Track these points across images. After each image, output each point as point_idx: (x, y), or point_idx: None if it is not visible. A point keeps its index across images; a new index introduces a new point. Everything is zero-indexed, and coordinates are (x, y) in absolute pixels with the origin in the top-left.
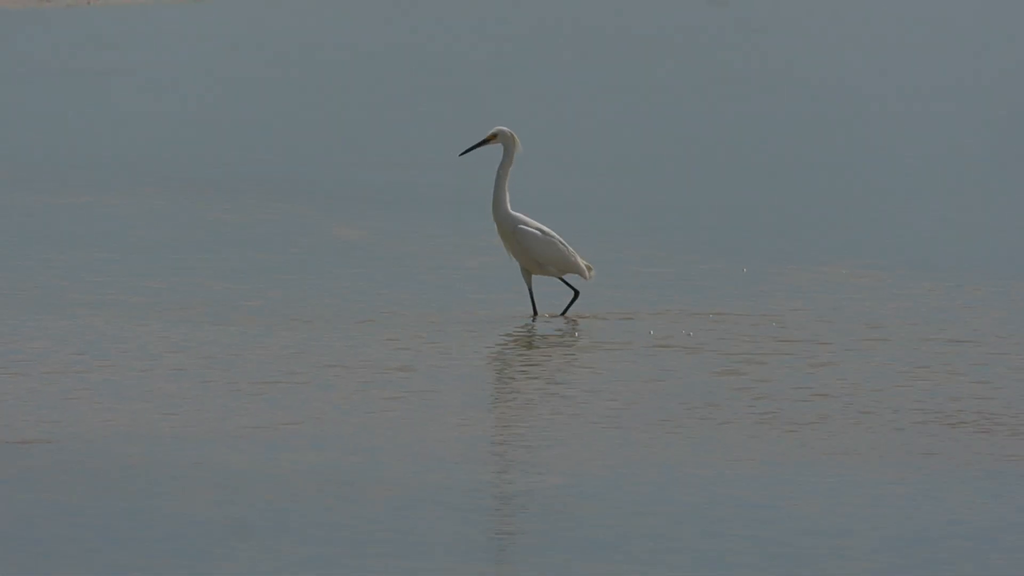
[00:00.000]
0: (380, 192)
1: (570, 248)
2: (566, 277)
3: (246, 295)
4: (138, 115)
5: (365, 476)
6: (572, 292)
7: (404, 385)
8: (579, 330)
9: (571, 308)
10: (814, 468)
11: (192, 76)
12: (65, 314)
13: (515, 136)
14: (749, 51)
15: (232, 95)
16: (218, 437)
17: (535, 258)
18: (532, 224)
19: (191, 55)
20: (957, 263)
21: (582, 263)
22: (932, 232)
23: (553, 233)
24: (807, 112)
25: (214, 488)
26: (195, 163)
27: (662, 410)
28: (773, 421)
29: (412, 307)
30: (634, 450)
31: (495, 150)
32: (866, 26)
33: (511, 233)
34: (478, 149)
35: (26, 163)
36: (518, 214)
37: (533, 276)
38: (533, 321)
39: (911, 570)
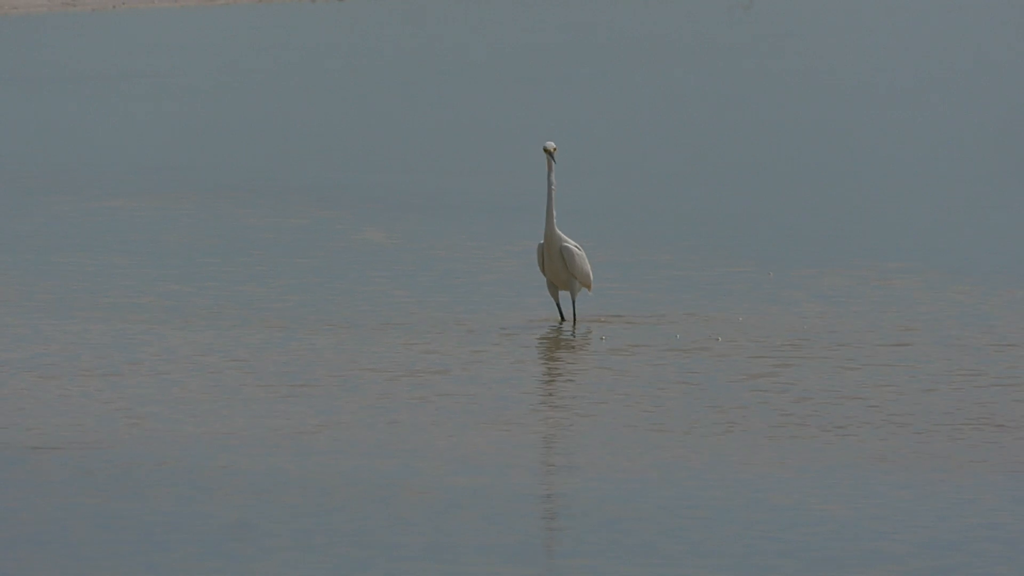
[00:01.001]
0: (407, 196)
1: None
2: (570, 297)
3: (272, 299)
4: (162, 119)
5: (397, 480)
6: (560, 317)
7: (433, 389)
8: (606, 334)
9: (577, 317)
10: (847, 472)
11: (215, 80)
12: (91, 318)
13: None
14: (771, 56)
15: (256, 98)
16: (246, 441)
17: (572, 274)
18: (570, 241)
19: (214, 59)
20: (989, 266)
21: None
22: (962, 234)
23: (580, 248)
24: (830, 115)
25: (241, 492)
26: (220, 167)
27: (692, 413)
28: (805, 425)
29: (439, 311)
30: (668, 452)
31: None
32: (890, 27)
33: (558, 252)
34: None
35: (47, 168)
36: (558, 231)
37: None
38: (560, 325)
39: (945, 574)
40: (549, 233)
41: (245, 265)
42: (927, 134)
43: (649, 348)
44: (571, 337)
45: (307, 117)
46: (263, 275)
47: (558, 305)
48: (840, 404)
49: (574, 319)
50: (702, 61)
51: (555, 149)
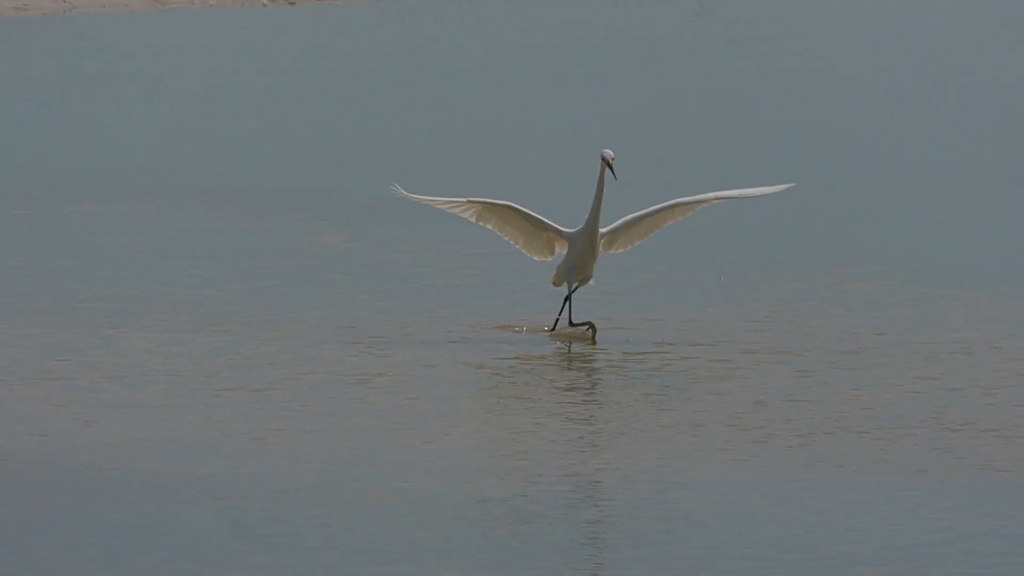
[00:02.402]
0: (373, 200)
1: None
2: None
3: (229, 303)
4: (127, 123)
5: (355, 485)
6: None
7: (391, 393)
8: (567, 340)
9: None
10: (804, 476)
11: (189, 85)
12: (44, 322)
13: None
14: (762, 56)
15: (227, 103)
16: (202, 446)
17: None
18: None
19: (193, 64)
20: (958, 271)
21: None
22: (932, 239)
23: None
24: (827, 115)
25: (200, 497)
26: (187, 172)
27: (653, 417)
28: (761, 428)
29: (397, 315)
30: (627, 455)
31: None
32: (888, 27)
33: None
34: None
35: (4, 171)
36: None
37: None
38: (553, 327)
39: None
40: (593, 229)
41: (201, 269)
42: (918, 136)
43: (608, 351)
44: (532, 340)
45: (282, 121)
46: (220, 279)
47: (569, 308)
48: (798, 409)
49: (570, 314)
50: (690, 61)
51: (612, 159)
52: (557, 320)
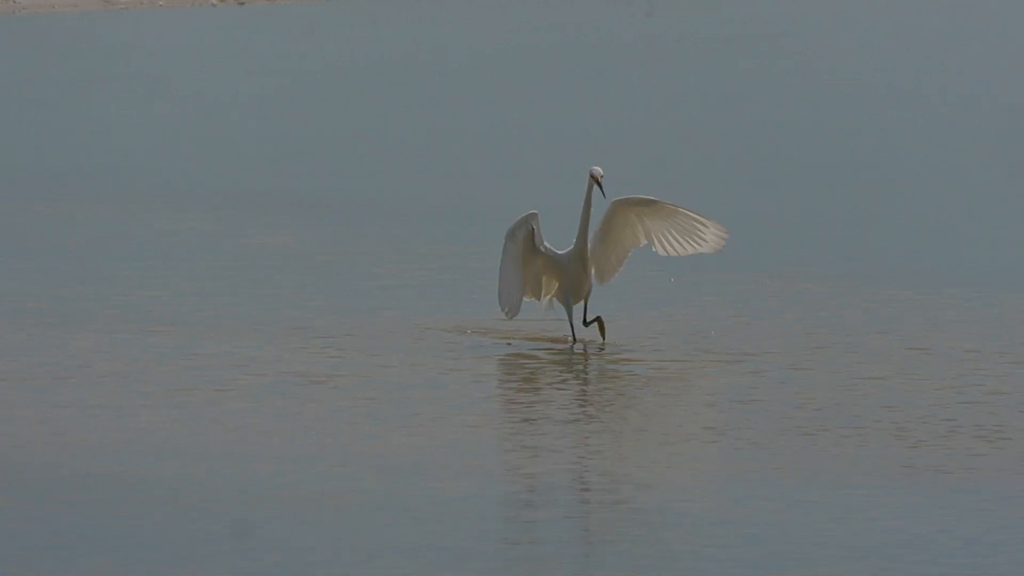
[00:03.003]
0: (331, 200)
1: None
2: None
3: (178, 303)
4: (84, 124)
5: (305, 485)
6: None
7: (344, 393)
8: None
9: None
10: (751, 479)
11: (141, 86)
12: None
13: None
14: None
15: (180, 104)
16: (153, 445)
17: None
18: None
19: (144, 64)
20: (910, 272)
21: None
22: (889, 240)
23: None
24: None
25: (152, 497)
26: (135, 173)
27: (600, 418)
28: (710, 429)
29: (348, 316)
30: (575, 456)
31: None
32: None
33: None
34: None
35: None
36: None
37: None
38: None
39: None
40: (583, 250)
41: (151, 269)
42: (892, 137)
43: (556, 352)
44: (483, 341)
45: (233, 122)
46: (169, 279)
47: (571, 320)
48: (750, 410)
49: (573, 326)
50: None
51: (601, 176)
52: (573, 332)
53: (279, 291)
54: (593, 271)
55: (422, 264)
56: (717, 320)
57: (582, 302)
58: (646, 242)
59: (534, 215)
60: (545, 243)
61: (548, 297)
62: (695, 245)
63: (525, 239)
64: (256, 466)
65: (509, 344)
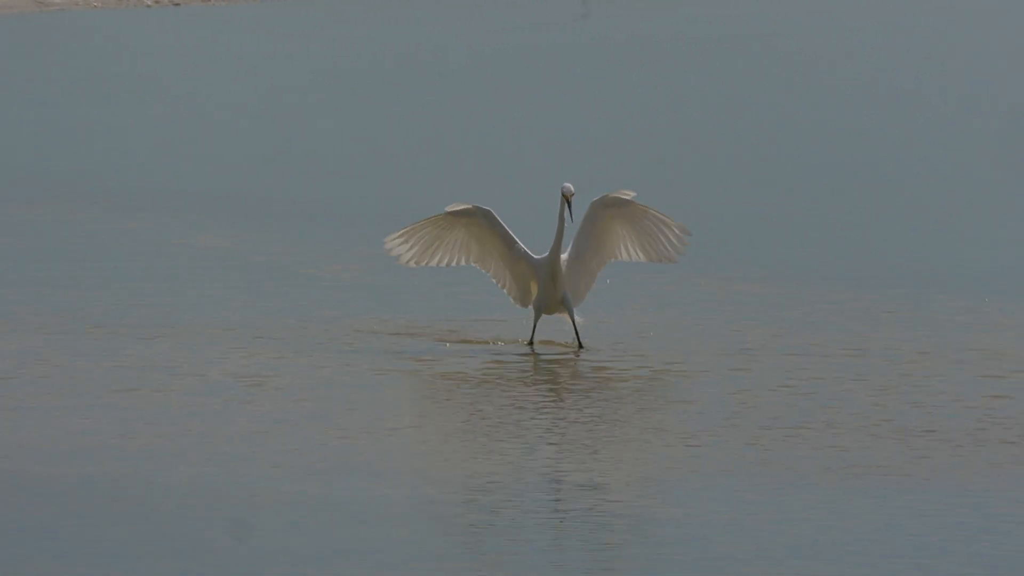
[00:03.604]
0: (256, 201)
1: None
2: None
3: (113, 305)
4: (21, 126)
5: (240, 487)
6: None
7: (279, 394)
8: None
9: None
10: (692, 479)
11: (78, 87)
12: None
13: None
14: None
15: (118, 104)
16: (90, 447)
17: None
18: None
19: (78, 66)
20: (855, 273)
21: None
22: (837, 242)
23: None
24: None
25: (89, 498)
26: (69, 176)
27: (538, 417)
28: (659, 429)
29: (281, 317)
30: (506, 456)
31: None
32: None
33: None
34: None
35: None
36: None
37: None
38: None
39: None
40: (555, 261)
41: (84, 271)
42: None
43: (490, 348)
44: (419, 341)
45: (171, 122)
46: (104, 281)
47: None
48: (683, 412)
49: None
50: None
51: (572, 195)
52: (532, 334)
53: (215, 292)
54: (567, 286)
55: (359, 265)
56: (655, 322)
57: (552, 312)
58: (620, 249)
59: (488, 212)
60: (521, 245)
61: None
62: (657, 252)
63: (500, 237)
64: (192, 467)
65: (447, 346)
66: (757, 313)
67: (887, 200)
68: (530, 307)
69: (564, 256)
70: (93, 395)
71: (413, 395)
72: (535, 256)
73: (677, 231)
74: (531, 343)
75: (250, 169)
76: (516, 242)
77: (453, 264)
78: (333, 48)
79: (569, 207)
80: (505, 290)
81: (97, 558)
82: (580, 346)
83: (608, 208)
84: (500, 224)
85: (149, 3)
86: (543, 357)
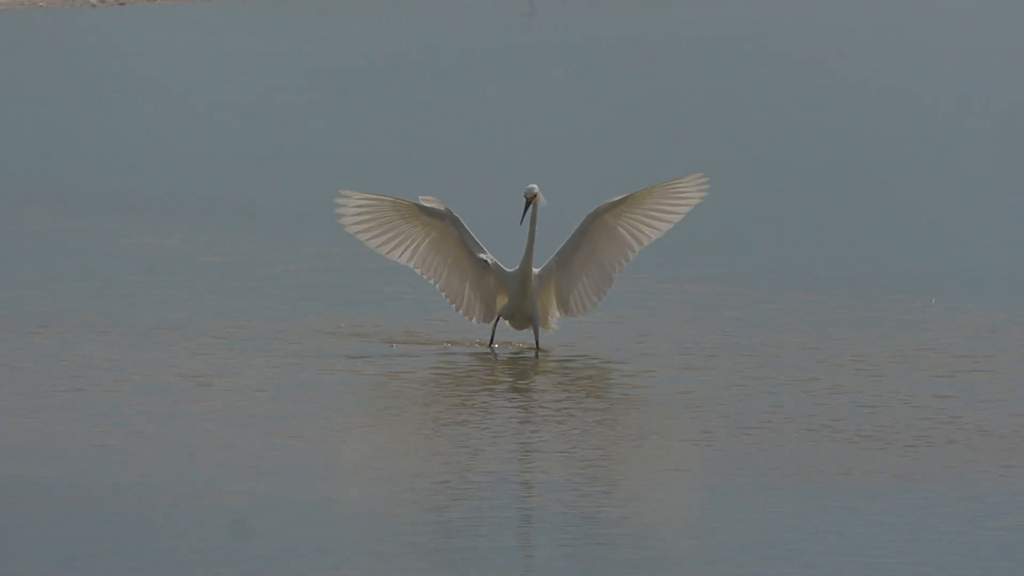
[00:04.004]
0: (206, 201)
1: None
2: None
3: (59, 304)
4: None
5: (189, 487)
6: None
7: (229, 394)
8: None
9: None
10: (634, 479)
11: (21, 88)
12: None
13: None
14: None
15: (65, 104)
16: (35, 447)
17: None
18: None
19: (24, 67)
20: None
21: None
22: (780, 244)
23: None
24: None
25: (33, 499)
26: (15, 175)
27: (474, 417)
28: (595, 431)
29: (228, 317)
30: (448, 457)
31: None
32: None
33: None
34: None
35: None
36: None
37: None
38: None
39: None
40: (526, 273)
41: (28, 270)
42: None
43: (438, 353)
44: (368, 341)
45: (120, 122)
46: (48, 280)
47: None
48: (632, 411)
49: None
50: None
51: (533, 196)
52: (492, 337)
53: (163, 292)
54: (555, 301)
55: (308, 265)
56: (606, 323)
57: (521, 327)
58: (636, 246)
59: (457, 219)
60: (489, 255)
61: (496, 317)
62: (683, 206)
63: (466, 246)
64: (139, 467)
65: (392, 347)
66: (709, 314)
67: (847, 201)
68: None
69: (537, 270)
70: (38, 395)
71: (361, 395)
72: (506, 269)
73: (690, 181)
74: (492, 345)
75: (199, 169)
76: (484, 252)
77: (393, 257)
78: (289, 48)
79: (525, 210)
80: (454, 304)
81: (42, 559)
82: (537, 349)
83: (608, 211)
84: (468, 233)
85: (94, 2)
86: (493, 358)
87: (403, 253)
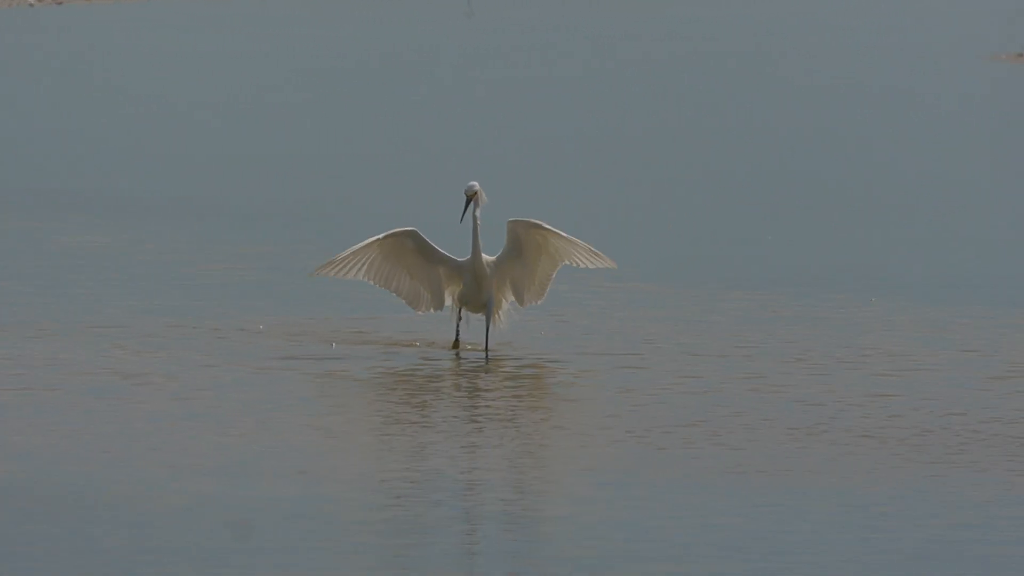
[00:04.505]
0: (134, 200)
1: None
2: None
3: None
4: None
5: (117, 486)
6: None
7: (160, 392)
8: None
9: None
10: (573, 478)
11: None
12: None
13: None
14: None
15: (15, 107)
16: None
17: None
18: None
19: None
20: (733, 277)
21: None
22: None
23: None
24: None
25: None
26: None
27: (420, 416)
28: (542, 431)
29: (161, 315)
30: (389, 456)
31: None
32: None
33: (485, 277)
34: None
35: None
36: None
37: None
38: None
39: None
40: (480, 260)
41: None
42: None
43: (376, 351)
44: (299, 340)
45: (53, 121)
46: None
47: (457, 329)
48: (574, 410)
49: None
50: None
51: (474, 194)
52: (457, 335)
53: (100, 291)
54: (511, 292)
55: (248, 264)
56: (545, 322)
57: (479, 314)
58: (565, 262)
59: (414, 232)
60: (441, 251)
61: (456, 309)
62: (592, 262)
63: (419, 250)
64: (76, 466)
65: (333, 346)
66: (653, 313)
67: (790, 202)
68: (448, 309)
69: (491, 259)
70: None
71: (301, 394)
72: (457, 259)
73: (602, 262)
74: (456, 345)
75: (137, 168)
76: (436, 250)
77: (359, 278)
78: (220, 45)
79: (467, 207)
80: (412, 305)
81: None
82: (487, 349)
83: (529, 228)
84: (423, 239)
85: (32, 2)
86: (435, 358)
87: (363, 274)
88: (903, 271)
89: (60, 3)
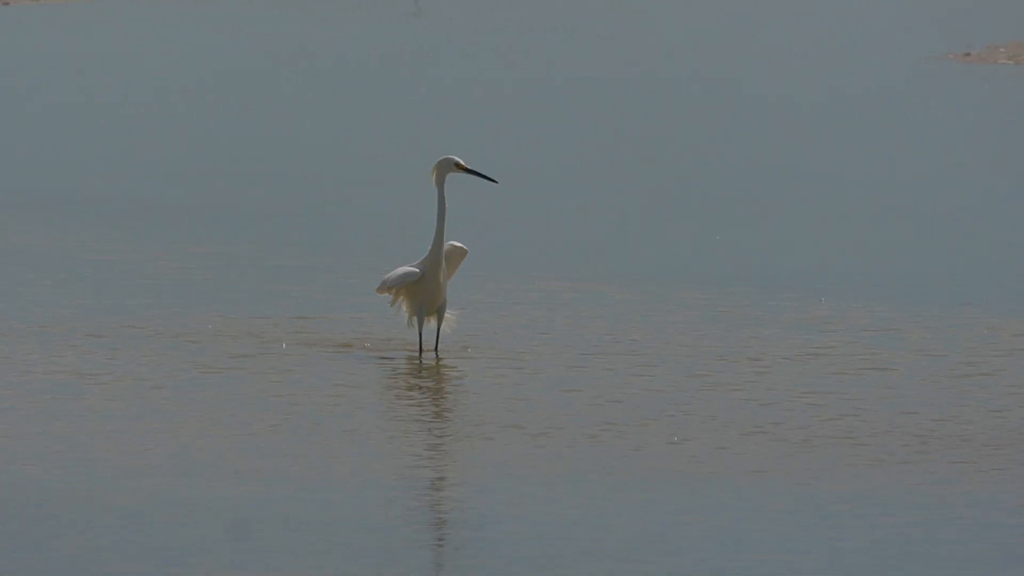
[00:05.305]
0: (87, 200)
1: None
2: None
3: None
4: None
5: (72, 486)
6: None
7: (113, 392)
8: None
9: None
10: (529, 481)
11: None
12: None
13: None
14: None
15: None
16: None
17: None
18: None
19: None
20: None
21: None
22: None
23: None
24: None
25: None
26: None
27: (379, 418)
28: (503, 430)
29: (110, 314)
30: (357, 458)
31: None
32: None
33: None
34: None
35: None
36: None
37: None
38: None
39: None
40: (437, 256)
41: None
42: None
43: (326, 350)
44: (254, 339)
45: (15, 124)
46: None
47: (420, 335)
48: (515, 410)
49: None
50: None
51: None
52: (420, 342)
53: (49, 290)
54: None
55: (197, 264)
56: (498, 322)
57: (435, 316)
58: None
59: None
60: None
61: (408, 315)
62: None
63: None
64: (21, 466)
65: (283, 346)
66: (603, 312)
67: (741, 201)
68: (414, 316)
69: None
70: None
71: (252, 395)
72: (419, 265)
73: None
74: (421, 350)
75: (86, 169)
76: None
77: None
78: (162, 46)
79: (477, 174)
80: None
81: None
82: (436, 350)
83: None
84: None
85: None
86: (389, 358)
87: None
88: (852, 271)
89: (7, 3)
